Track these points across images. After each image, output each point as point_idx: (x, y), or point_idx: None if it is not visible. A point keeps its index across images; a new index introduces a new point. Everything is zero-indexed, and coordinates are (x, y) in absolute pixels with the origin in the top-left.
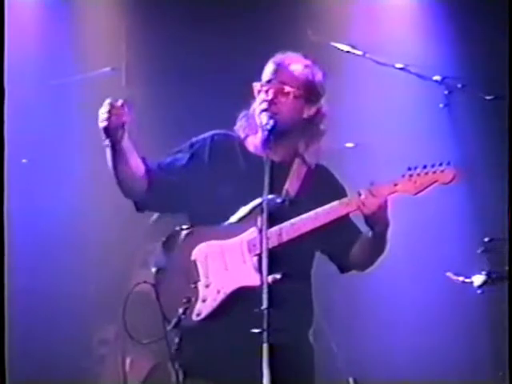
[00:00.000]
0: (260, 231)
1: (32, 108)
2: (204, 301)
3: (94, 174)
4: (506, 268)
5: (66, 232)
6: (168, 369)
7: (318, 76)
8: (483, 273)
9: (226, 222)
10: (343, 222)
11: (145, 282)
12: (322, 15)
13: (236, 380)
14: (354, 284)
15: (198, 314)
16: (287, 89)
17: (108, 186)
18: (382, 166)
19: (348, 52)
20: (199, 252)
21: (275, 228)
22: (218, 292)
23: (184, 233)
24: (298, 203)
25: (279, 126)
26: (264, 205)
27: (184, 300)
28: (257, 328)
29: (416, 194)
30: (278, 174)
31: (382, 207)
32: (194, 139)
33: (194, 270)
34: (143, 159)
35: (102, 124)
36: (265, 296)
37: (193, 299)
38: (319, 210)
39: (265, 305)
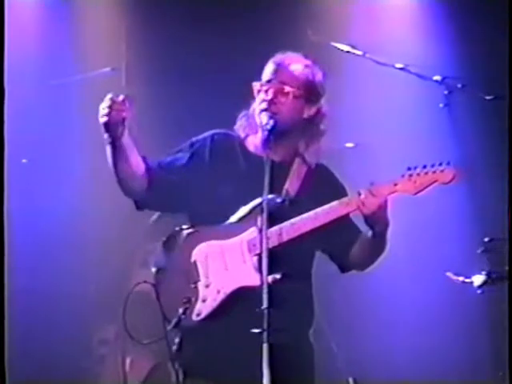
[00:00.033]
0: (260, 231)
1: (32, 108)
2: (204, 301)
3: (94, 174)
4: (506, 268)
5: (65, 232)
6: (168, 369)
7: (318, 76)
8: (483, 273)
9: (227, 222)
10: (343, 221)
11: (145, 281)
12: (322, 15)
13: (236, 380)
14: (354, 284)
15: (198, 314)
16: (287, 89)
17: (108, 186)
18: (381, 166)
19: (348, 52)
20: (199, 252)
21: (275, 228)
22: (218, 292)
23: (184, 233)
24: (298, 203)
25: (279, 126)
26: (264, 204)
27: (184, 300)
28: (257, 328)
29: (416, 193)
30: (278, 173)
31: (382, 207)
32: (194, 139)
33: (194, 269)
34: (144, 158)
35: (103, 119)
36: (265, 296)
37: (193, 299)
38: (319, 209)
39: (265, 305)
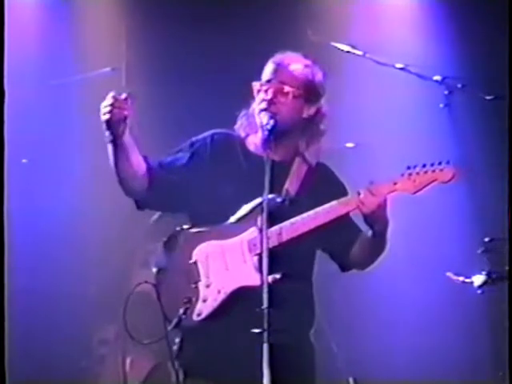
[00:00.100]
0: (260, 231)
1: (32, 108)
2: (205, 301)
3: (94, 174)
4: (506, 268)
5: (66, 232)
6: (168, 369)
7: (318, 76)
8: (483, 273)
9: (227, 222)
10: (344, 221)
11: (146, 282)
12: (322, 15)
13: (236, 380)
14: (354, 284)
15: (199, 314)
16: (287, 88)
17: (108, 186)
18: (382, 166)
19: (348, 52)
20: (200, 252)
21: (275, 227)
22: (219, 292)
23: (185, 233)
24: (298, 202)
25: (279, 126)
26: (264, 204)
27: (185, 300)
28: (258, 328)
29: (415, 192)
30: (279, 173)
31: (382, 206)
32: (194, 138)
33: (194, 270)
34: (144, 157)
35: (105, 117)
36: (265, 296)
37: (193, 299)
38: (319, 209)
39: (265, 304)
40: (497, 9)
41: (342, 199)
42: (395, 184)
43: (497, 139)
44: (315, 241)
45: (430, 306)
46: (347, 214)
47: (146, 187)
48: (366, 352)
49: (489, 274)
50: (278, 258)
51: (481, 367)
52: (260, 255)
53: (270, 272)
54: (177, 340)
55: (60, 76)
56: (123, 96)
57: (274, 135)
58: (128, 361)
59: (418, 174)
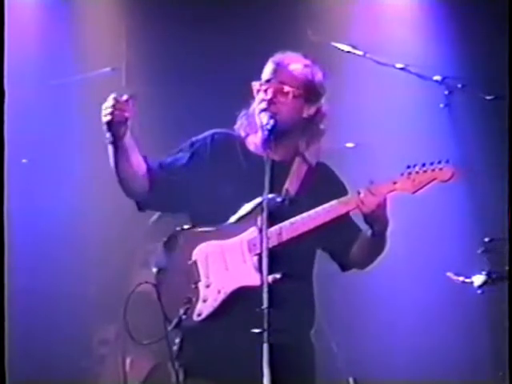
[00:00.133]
0: (260, 231)
1: (32, 108)
2: (205, 301)
3: (94, 174)
4: (506, 268)
5: (65, 232)
6: (168, 369)
7: (318, 76)
8: (483, 273)
9: (227, 222)
10: (344, 220)
11: (146, 282)
12: (322, 15)
13: (237, 380)
14: (354, 284)
15: (199, 315)
16: (286, 88)
17: (108, 186)
18: (382, 166)
19: (348, 52)
20: (200, 252)
21: (275, 227)
22: (219, 292)
23: (185, 233)
24: (298, 202)
25: (279, 126)
26: (264, 204)
27: (185, 300)
28: (258, 328)
29: (415, 192)
30: (279, 173)
31: (381, 206)
32: (194, 138)
33: (194, 270)
34: (145, 158)
35: (106, 118)
36: (265, 296)
37: (193, 299)
38: (319, 209)
39: (265, 304)
40: (497, 9)
41: (342, 199)
42: (395, 183)
43: (497, 139)
44: (315, 240)
45: (430, 305)
46: (347, 213)
47: (146, 188)
48: (366, 352)
49: (489, 274)
50: (277, 257)
51: (481, 367)
52: (260, 255)
53: (270, 272)
54: (177, 340)
55: (60, 76)
56: (124, 98)
57: (274, 135)
58: (128, 361)
59: (417, 173)
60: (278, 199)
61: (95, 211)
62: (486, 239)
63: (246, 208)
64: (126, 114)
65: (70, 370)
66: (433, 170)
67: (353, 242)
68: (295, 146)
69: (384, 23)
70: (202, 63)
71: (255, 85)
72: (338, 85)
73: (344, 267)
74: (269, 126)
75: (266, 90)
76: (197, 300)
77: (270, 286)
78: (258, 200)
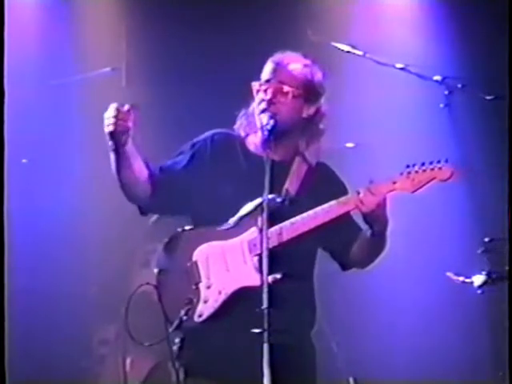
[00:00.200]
0: (260, 231)
1: (32, 108)
2: (205, 302)
3: (94, 174)
4: (506, 268)
5: (65, 232)
6: (168, 368)
7: (317, 75)
8: (483, 273)
9: (227, 223)
10: (344, 219)
11: (147, 283)
12: (322, 15)
13: (237, 380)
14: (354, 284)
15: (200, 315)
16: (286, 88)
17: (108, 186)
18: (382, 166)
19: (348, 52)
20: (200, 253)
21: (275, 227)
22: (220, 293)
23: (185, 234)
24: (298, 202)
25: (279, 126)
26: (264, 204)
27: (186, 301)
28: (259, 328)
29: (414, 191)
30: (279, 173)
31: (381, 205)
32: (194, 140)
33: (195, 271)
34: (146, 163)
35: (108, 128)
36: (265, 296)
37: (194, 300)
38: (318, 209)
39: (265, 305)
40: (497, 9)
41: (342, 199)
42: (394, 183)
43: (497, 139)
44: (316, 240)
45: (430, 306)
46: (347, 212)
47: (148, 193)
48: (366, 352)
49: (489, 274)
50: (278, 258)
51: (481, 367)
52: (260, 255)
53: (271, 272)
54: (177, 340)
55: (60, 76)
56: (126, 108)
57: (274, 135)
58: (128, 361)
59: (416, 172)
60: (278, 199)
61: (95, 211)
62: (486, 239)
63: (247, 208)
64: (129, 124)
65: (70, 370)
66: (432, 170)
67: (353, 241)
68: (295, 145)
69: (384, 23)
70: (201, 63)
71: (255, 85)
72: (338, 85)
73: (344, 266)
74: (269, 126)
75: (265, 90)
76: (198, 301)
77: (270, 286)
78: (258, 200)
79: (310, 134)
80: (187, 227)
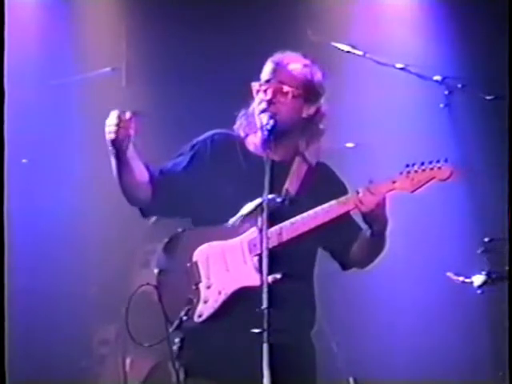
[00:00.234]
0: (260, 231)
1: (32, 108)
2: (205, 302)
3: (94, 174)
4: (506, 268)
5: (66, 232)
6: (168, 368)
7: (317, 75)
8: (483, 273)
9: (227, 223)
10: (344, 219)
11: (148, 284)
12: (322, 15)
13: (237, 380)
14: (354, 284)
15: (200, 316)
16: (286, 88)
17: (108, 186)
18: (382, 166)
19: (348, 52)
20: (200, 253)
21: (275, 227)
22: (220, 293)
23: (185, 234)
24: (298, 202)
25: (279, 126)
26: (264, 204)
27: (186, 301)
28: (259, 328)
29: (413, 191)
30: (279, 173)
31: (380, 205)
32: (194, 140)
33: (195, 271)
34: (146, 166)
35: (110, 136)
36: (265, 296)
37: (194, 300)
38: (318, 208)
39: (265, 305)
40: (497, 9)
41: (341, 198)
42: (394, 183)
43: (497, 139)
44: (316, 240)
45: (430, 306)
46: (347, 212)
47: (149, 196)
48: (366, 352)
49: (489, 274)
50: (278, 258)
51: (481, 367)
52: (260, 255)
53: (271, 272)
54: (177, 340)
55: (60, 76)
56: (128, 115)
57: (274, 135)
58: (128, 361)
59: (416, 172)
60: (278, 199)
61: (95, 211)
62: (486, 239)
63: (247, 208)
64: (130, 132)
65: (70, 370)
66: (431, 169)
67: (353, 240)
68: (295, 145)
69: (384, 23)
70: (201, 63)
71: (255, 85)
72: (338, 85)
73: (344, 266)
74: (268, 126)
75: (265, 91)
76: (198, 301)
77: (270, 286)
78: (258, 201)
79: (310, 133)
80: (187, 227)
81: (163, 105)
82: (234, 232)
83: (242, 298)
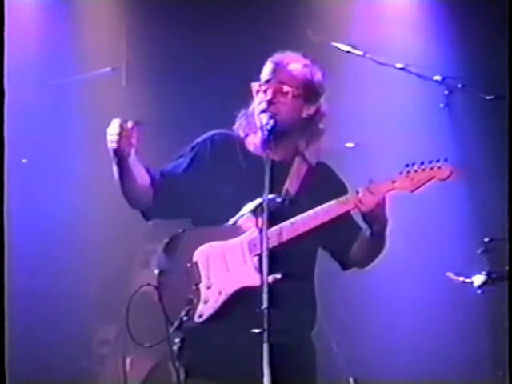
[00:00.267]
0: (260, 231)
1: (32, 108)
2: (206, 302)
3: (94, 174)
4: (506, 268)
5: (65, 232)
6: (169, 368)
7: (317, 75)
8: (483, 273)
9: (228, 223)
10: (344, 219)
11: (148, 284)
12: (322, 15)
13: (238, 380)
14: (354, 284)
15: (200, 316)
16: (286, 88)
17: (108, 186)
18: (382, 166)
19: (348, 52)
20: (200, 253)
21: (275, 227)
22: (220, 293)
23: (185, 234)
24: (298, 202)
25: (279, 126)
26: (264, 205)
27: (186, 302)
28: (259, 328)
29: (413, 190)
30: (279, 173)
31: (380, 205)
32: (194, 142)
33: (195, 271)
34: (147, 169)
35: (112, 146)
36: (265, 296)
37: (195, 301)
38: (318, 208)
39: (265, 305)
40: (497, 9)
41: (341, 198)
42: (394, 182)
43: (497, 139)
44: (316, 240)
45: (430, 305)
46: (348, 212)
47: (150, 198)
48: (366, 352)
49: (489, 274)
50: (278, 258)
51: (481, 367)
52: (260, 255)
53: (271, 272)
54: (177, 340)
55: (60, 76)
56: (130, 124)
57: (274, 135)
58: (128, 361)
59: (416, 171)
60: (278, 199)
61: (95, 211)
62: (486, 239)
63: (247, 209)
64: (132, 141)
65: (70, 370)
66: (431, 169)
67: (353, 240)
68: (295, 145)
69: (384, 23)
70: (201, 63)
71: (254, 85)
72: (338, 85)
73: (345, 266)
74: (268, 126)
75: (265, 91)
76: (198, 301)
77: (270, 286)
78: (258, 201)
79: (309, 133)
80: (187, 228)
81: (163, 105)
82: (234, 232)
83: (242, 298)
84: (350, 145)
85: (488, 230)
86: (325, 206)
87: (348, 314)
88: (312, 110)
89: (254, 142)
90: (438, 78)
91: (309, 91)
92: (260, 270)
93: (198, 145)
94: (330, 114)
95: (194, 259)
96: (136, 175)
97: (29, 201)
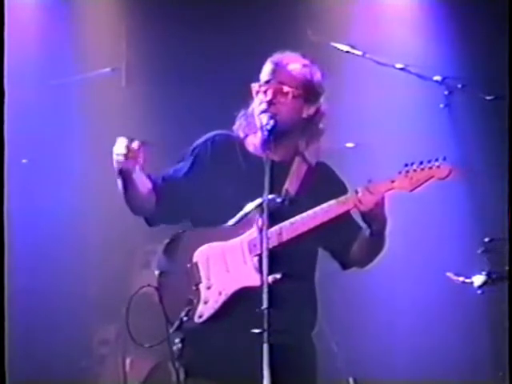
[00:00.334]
0: (260, 231)
1: (32, 108)
2: (206, 302)
3: (94, 174)
4: (506, 268)
5: (65, 232)
6: (169, 368)
7: (317, 75)
8: (483, 273)
9: (228, 223)
10: (344, 219)
11: (149, 285)
12: (322, 15)
13: (238, 380)
14: (354, 284)
15: (200, 316)
16: (286, 89)
17: (108, 186)
18: (382, 166)
19: (348, 52)
20: (200, 254)
21: (275, 227)
22: (220, 293)
23: (186, 235)
24: (298, 202)
25: (279, 126)
26: (264, 205)
27: (186, 302)
28: (259, 328)
29: (412, 190)
30: (278, 173)
31: (379, 204)
32: (195, 144)
33: (195, 272)
34: (149, 176)
35: (118, 166)
36: (265, 296)
37: (195, 301)
38: (318, 208)
39: (265, 305)
40: (497, 9)
41: (341, 198)
42: (393, 182)
43: (497, 139)
44: (316, 240)
45: (430, 306)
46: (347, 212)
47: (153, 205)
48: (366, 352)
49: (489, 274)
50: (278, 258)
51: (481, 367)
52: (260, 256)
53: (271, 272)
54: (177, 340)
55: (60, 76)
56: (135, 145)
57: (274, 135)
58: (128, 361)
59: (415, 171)
60: (278, 199)
61: (95, 211)
62: (486, 239)
63: (247, 209)
64: (139, 161)
65: (70, 370)
66: (430, 168)
67: (353, 240)
68: (295, 145)
69: (384, 23)
70: (201, 63)
71: (254, 86)
72: (338, 85)
73: (344, 266)
74: (269, 127)
75: (265, 91)
76: (198, 302)
77: (270, 286)
78: (258, 201)
79: (309, 133)
80: (187, 228)
81: (163, 105)
82: (234, 232)
83: (242, 299)
84: (349, 145)
85: (488, 230)
86: (324, 205)
87: (348, 314)
88: (312, 110)
89: (253, 142)
90: (437, 78)
91: (308, 91)
92: (260, 270)
93: (199, 147)
94: (330, 113)
95: (194, 260)
96: (139, 186)
97: (29, 201)
